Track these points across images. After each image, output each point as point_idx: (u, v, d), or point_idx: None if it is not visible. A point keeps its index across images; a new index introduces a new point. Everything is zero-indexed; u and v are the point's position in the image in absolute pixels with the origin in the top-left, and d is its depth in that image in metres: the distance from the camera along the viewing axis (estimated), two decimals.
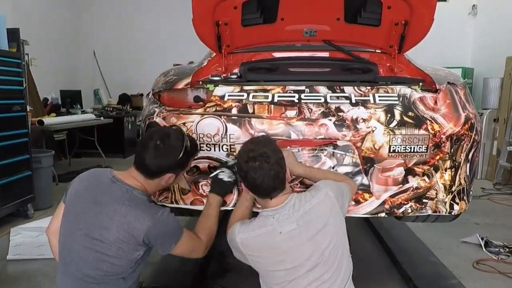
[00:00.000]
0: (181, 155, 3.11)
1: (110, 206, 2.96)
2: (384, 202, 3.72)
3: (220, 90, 3.79)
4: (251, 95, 3.73)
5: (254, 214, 3.33)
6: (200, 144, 3.66)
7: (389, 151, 3.61)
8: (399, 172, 3.68)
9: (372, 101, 3.68)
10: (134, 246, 2.94)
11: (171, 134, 3.16)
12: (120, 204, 2.95)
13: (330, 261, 3.05)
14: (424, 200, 3.76)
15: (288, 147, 3.63)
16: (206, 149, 3.69)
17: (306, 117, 3.62)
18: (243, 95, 3.73)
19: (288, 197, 3.10)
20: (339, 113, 3.62)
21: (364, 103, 3.66)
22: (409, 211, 3.75)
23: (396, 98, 3.70)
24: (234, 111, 3.65)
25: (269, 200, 3.11)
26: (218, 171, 3.62)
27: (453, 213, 3.84)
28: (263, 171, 2.99)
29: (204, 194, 3.78)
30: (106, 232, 2.91)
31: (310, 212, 3.03)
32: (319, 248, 3.01)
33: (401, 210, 3.73)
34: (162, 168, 3.11)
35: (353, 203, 3.69)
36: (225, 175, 3.59)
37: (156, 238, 2.98)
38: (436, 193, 3.74)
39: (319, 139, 3.61)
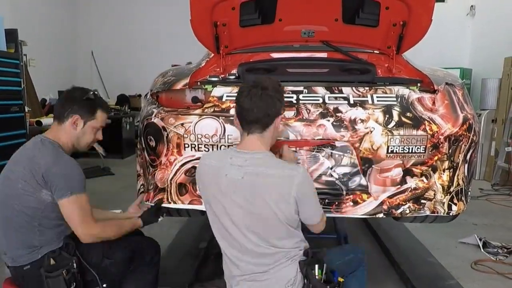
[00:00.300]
0: (84, 98, 3.39)
1: (23, 151, 3.35)
2: (382, 203, 3.71)
3: (218, 91, 3.79)
4: None
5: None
6: (198, 144, 3.67)
7: (387, 152, 3.61)
8: (397, 172, 3.68)
9: (370, 101, 3.68)
10: (36, 184, 3.11)
11: (83, 88, 3.50)
12: (32, 149, 3.28)
13: (238, 239, 3.03)
14: (422, 201, 3.75)
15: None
16: (205, 150, 3.69)
17: (304, 117, 3.63)
18: None
19: (261, 150, 3.03)
20: (337, 114, 3.63)
21: (362, 104, 3.67)
22: (407, 211, 3.74)
23: (394, 99, 3.70)
24: (232, 111, 3.62)
25: (245, 135, 3.06)
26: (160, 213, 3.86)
27: (451, 214, 3.84)
28: (258, 99, 2.95)
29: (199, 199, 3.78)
30: (15, 169, 3.22)
31: (260, 177, 2.92)
32: (243, 215, 2.97)
33: (399, 211, 3.73)
34: (65, 108, 3.37)
35: (351, 203, 3.70)
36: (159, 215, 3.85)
37: (55, 177, 3.11)
38: (434, 194, 3.74)
39: (317, 139, 3.61)
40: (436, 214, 3.81)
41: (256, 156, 2.98)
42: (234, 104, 3.61)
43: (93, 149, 10.52)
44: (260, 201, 2.90)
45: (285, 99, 3.63)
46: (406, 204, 3.73)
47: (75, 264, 3.17)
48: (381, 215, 3.74)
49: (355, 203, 3.70)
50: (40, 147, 3.25)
